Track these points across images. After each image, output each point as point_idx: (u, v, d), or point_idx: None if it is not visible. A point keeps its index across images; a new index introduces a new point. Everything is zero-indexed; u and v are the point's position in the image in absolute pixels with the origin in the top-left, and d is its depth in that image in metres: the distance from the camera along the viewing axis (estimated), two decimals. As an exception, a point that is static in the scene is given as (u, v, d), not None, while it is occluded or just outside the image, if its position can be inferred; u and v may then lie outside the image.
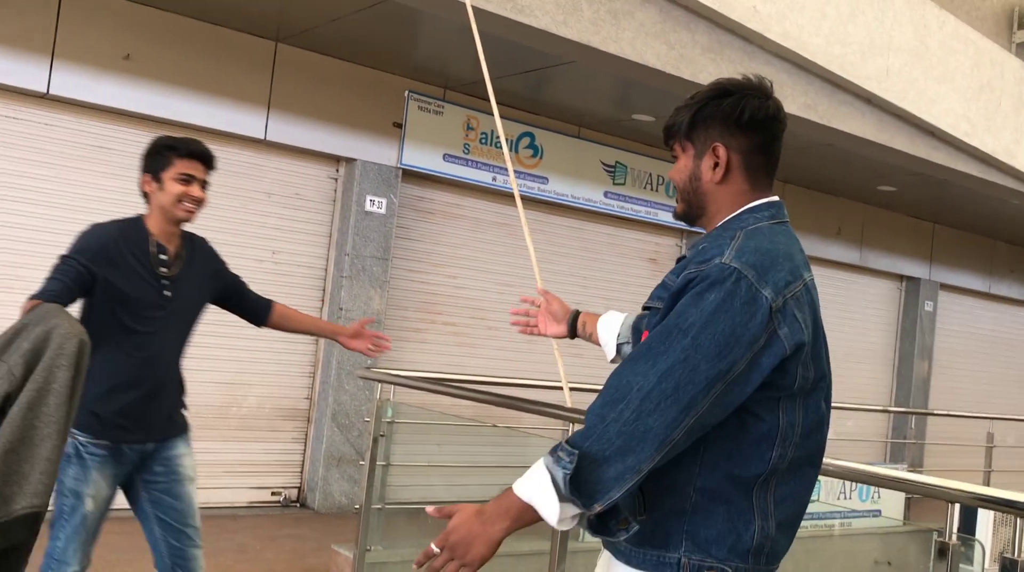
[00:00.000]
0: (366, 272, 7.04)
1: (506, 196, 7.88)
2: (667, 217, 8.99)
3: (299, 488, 7.07)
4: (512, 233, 8.00)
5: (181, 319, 3.19)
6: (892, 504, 7.56)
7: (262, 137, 6.66)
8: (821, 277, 8.97)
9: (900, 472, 2.73)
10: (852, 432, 10.51)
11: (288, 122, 6.74)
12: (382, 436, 4.82)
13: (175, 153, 3.05)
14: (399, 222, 7.37)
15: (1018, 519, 2.18)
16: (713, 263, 1.60)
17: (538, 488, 1.54)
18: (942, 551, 2.26)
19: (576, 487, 1.52)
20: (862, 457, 10.14)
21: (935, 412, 10.83)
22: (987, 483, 9.24)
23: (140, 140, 6.33)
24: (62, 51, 5.90)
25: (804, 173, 9.56)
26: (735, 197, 1.73)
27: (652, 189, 8.91)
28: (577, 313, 2.44)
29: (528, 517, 1.56)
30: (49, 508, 1.98)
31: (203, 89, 6.40)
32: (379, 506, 4.84)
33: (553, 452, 1.56)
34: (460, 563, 1.56)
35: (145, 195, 3.12)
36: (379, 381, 4.96)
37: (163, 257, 3.08)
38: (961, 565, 2.49)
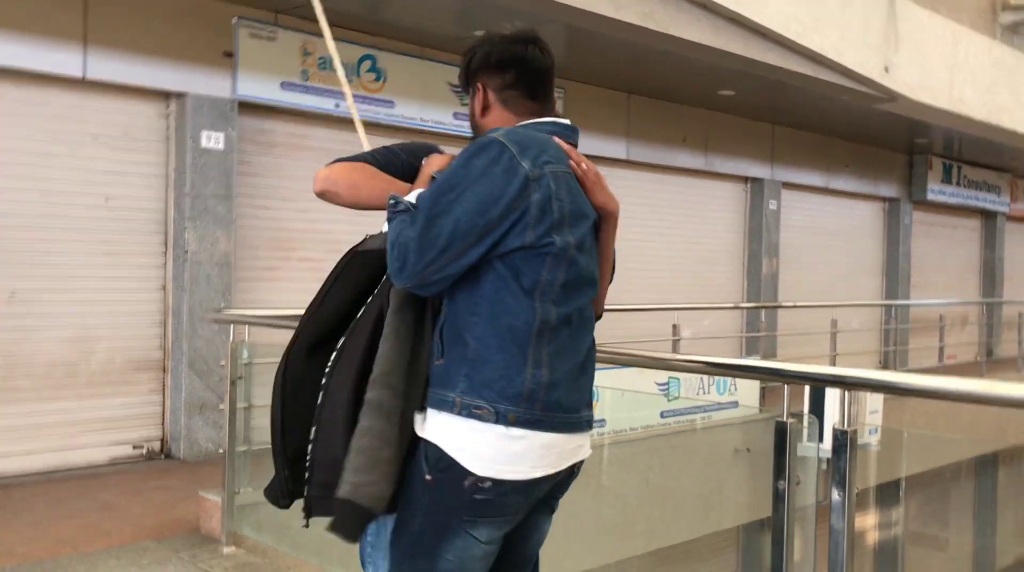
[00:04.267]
0: (209, 212, 6.76)
1: (353, 123, 7.66)
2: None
3: (162, 439, 6.85)
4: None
5: None
6: (748, 394, 7.96)
7: (81, 75, 6.22)
8: (669, 184, 9.15)
9: (739, 360, 2.85)
10: (709, 330, 10.96)
11: (109, 58, 6.31)
12: (240, 379, 4.72)
13: None
14: (240, 157, 7.08)
15: (846, 392, 2.31)
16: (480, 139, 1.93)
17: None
18: (780, 431, 2.38)
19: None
20: (719, 353, 10.60)
21: (782, 305, 11.41)
22: (833, 365, 9.85)
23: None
24: None
25: (647, 82, 9.70)
26: (500, 126, 2.04)
27: (500, 107, 8.84)
28: None
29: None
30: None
31: (8, 26, 5.91)
32: (244, 448, 4.76)
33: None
34: None
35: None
36: (231, 322, 4.82)
37: None
38: (806, 443, 2.62)
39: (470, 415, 1.87)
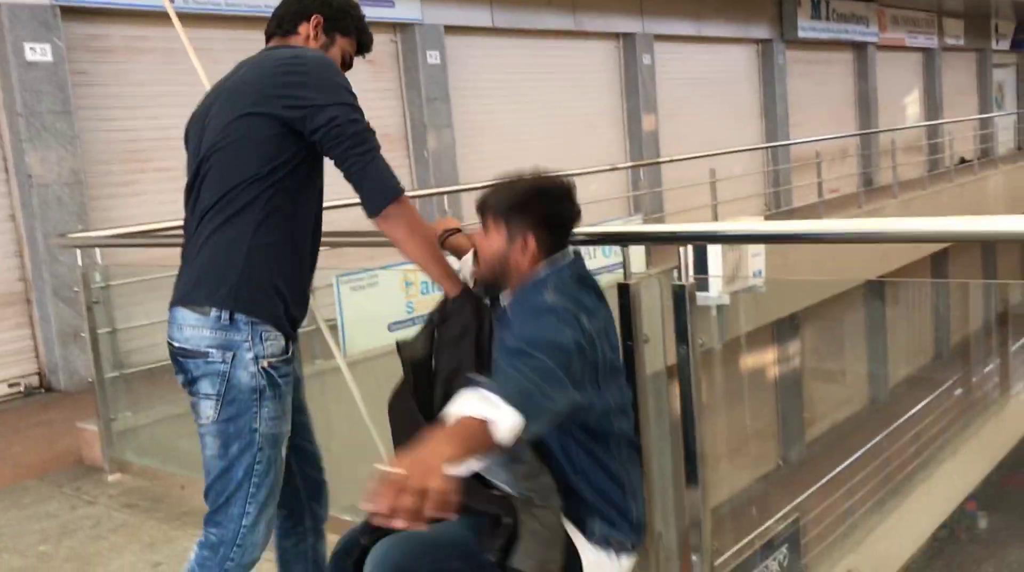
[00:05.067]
0: (48, 130, 6.32)
1: (195, 18, 7.20)
2: (380, 12, 8.57)
3: (39, 373, 6.59)
4: (215, 56, 7.37)
5: None
6: (635, 256, 8.02)
7: None
8: (536, 49, 8.84)
9: (592, 227, 2.77)
10: (597, 194, 10.96)
11: (-100, -28, 5.73)
12: (96, 303, 4.50)
13: (356, 33, 2.37)
14: (74, 68, 6.59)
15: (685, 247, 2.29)
16: (539, 300, 1.93)
17: (478, 403, 1.62)
18: (622, 292, 2.36)
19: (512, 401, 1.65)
20: (610, 215, 10.63)
21: (658, 161, 11.42)
22: (715, 216, 10.00)
23: None
24: None
25: (504, -56, 9.34)
26: (532, 267, 2.05)
27: (353, -15, 8.40)
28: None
29: (469, 436, 1.58)
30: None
31: None
32: (115, 374, 4.59)
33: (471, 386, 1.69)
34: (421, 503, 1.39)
35: (293, 29, 2.31)
36: (77, 247, 4.57)
37: None
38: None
39: (607, 545, 1.97)
